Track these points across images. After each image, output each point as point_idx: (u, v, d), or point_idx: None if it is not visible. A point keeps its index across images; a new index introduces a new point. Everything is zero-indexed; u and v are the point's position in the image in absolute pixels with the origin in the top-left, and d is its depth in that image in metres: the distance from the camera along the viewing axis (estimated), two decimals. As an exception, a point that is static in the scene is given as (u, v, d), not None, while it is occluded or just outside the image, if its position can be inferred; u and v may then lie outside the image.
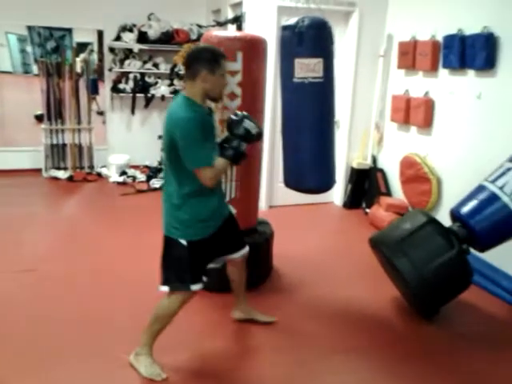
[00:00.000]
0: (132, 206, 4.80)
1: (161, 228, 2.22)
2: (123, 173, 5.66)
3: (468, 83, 3.68)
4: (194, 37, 5.76)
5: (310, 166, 2.93)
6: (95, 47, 6.31)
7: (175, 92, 5.78)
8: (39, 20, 5.58)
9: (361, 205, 4.91)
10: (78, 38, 6.68)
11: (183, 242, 2.13)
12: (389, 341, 2.66)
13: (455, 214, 2.89)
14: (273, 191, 4.76)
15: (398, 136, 4.60)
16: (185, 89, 2.13)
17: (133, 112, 6.00)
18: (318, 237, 4.20)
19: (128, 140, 6.00)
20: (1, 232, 3.93)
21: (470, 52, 3.54)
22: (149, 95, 5.94)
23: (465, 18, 3.68)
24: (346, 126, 4.86)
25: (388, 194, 4.67)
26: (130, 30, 5.68)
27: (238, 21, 3.25)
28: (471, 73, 3.65)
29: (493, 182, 2.77)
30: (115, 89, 5.84)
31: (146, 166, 5.90)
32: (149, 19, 5.76)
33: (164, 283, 2.17)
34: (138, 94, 5.90)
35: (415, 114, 4.18)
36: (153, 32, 5.67)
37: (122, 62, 5.79)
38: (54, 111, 5.61)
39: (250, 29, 4.17)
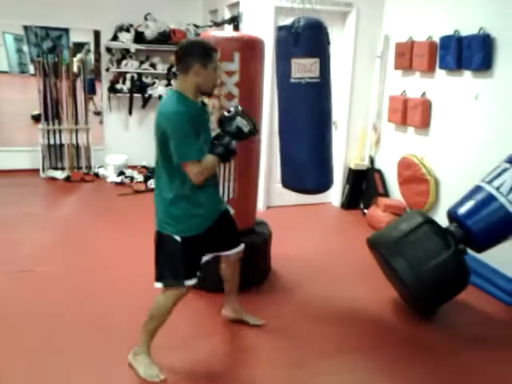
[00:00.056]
0: (130, 206, 4.79)
1: (158, 229, 2.22)
2: (121, 173, 5.65)
3: (465, 84, 3.69)
4: (190, 37, 5.76)
5: (307, 166, 2.93)
6: (92, 47, 6.30)
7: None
8: (36, 20, 5.56)
9: (358, 205, 4.92)
10: (75, 37, 6.67)
11: (177, 237, 2.12)
12: (388, 341, 2.66)
13: (452, 215, 2.90)
14: (271, 192, 4.77)
15: (395, 137, 4.61)
16: (176, 83, 2.13)
17: (130, 112, 5.98)
18: (315, 237, 4.20)
19: (125, 140, 5.99)
20: (-3, 233, 3.92)
21: (467, 53, 3.54)
22: (146, 95, 5.93)
23: (461, 19, 3.69)
24: (344, 126, 4.87)
25: (386, 194, 4.67)
26: (127, 30, 5.67)
27: (235, 21, 3.25)
28: (468, 74, 3.65)
29: (489, 182, 2.78)
30: (112, 89, 5.83)
31: (144, 167, 5.89)
32: (145, 19, 5.75)
33: (158, 280, 2.18)
34: (135, 94, 5.89)
35: (412, 114, 4.18)
36: (150, 32, 5.67)
37: (119, 62, 5.78)
38: (51, 111, 5.60)
39: (247, 29, 4.17)
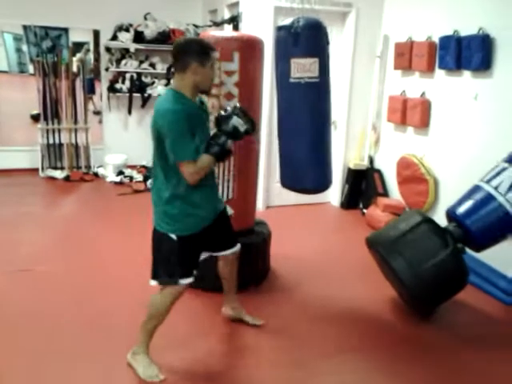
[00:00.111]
0: (129, 205, 4.79)
1: (157, 228, 2.22)
2: (120, 173, 5.65)
3: (464, 84, 3.70)
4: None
5: (306, 165, 2.93)
6: (91, 47, 6.30)
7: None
8: (35, 19, 5.56)
9: (358, 205, 4.92)
10: (75, 37, 6.67)
11: (173, 236, 2.12)
12: (387, 341, 2.67)
13: (451, 214, 2.90)
14: (270, 191, 4.77)
15: (394, 137, 4.61)
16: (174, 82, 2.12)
17: (129, 112, 5.98)
18: (315, 237, 4.20)
19: (125, 140, 5.98)
20: (-3, 232, 3.92)
21: (466, 53, 3.55)
22: (145, 95, 5.93)
23: (461, 19, 3.70)
24: (343, 126, 4.87)
25: (385, 194, 4.68)
26: (127, 30, 5.67)
27: (234, 21, 3.25)
28: (467, 74, 3.66)
29: (488, 182, 2.78)
30: (112, 88, 5.83)
31: (143, 166, 5.89)
32: (145, 19, 5.75)
33: (153, 277, 2.18)
34: (134, 94, 5.89)
35: (412, 114, 4.19)
36: (149, 32, 5.67)
37: (118, 61, 5.78)
38: (50, 111, 5.60)
39: (247, 29, 4.17)
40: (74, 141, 5.73)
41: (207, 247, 2.31)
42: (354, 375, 2.38)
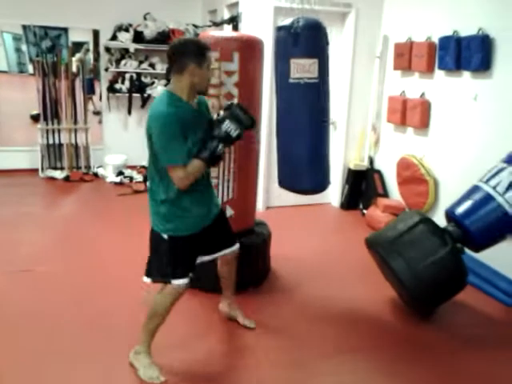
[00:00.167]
0: (129, 206, 4.79)
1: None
2: (120, 173, 5.65)
3: (464, 85, 3.70)
4: (190, 37, 5.76)
5: (304, 166, 2.93)
6: (91, 47, 6.31)
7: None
8: (35, 19, 5.56)
9: (358, 206, 4.92)
10: (74, 37, 6.67)
11: (165, 236, 2.14)
12: (387, 341, 2.67)
13: (450, 215, 2.90)
14: (270, 192, 4.76)
15: (394, 137, 4.61)
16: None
17: (129, 112, 5.98)
18: (315, 238, 4.20)
19: (125, 140, 5.98)
20: (-4, 233, 3.92)
21: (466, 53, 3.55)
22: (145, 95, 5.93)
23: (460, 19, 3.70)
24: (343, 127, 4.87)
25: (385, 195, 4.68)
26: (126, 30, 5.67)
27: (234, 21, 3.26)
28: (467, 74, 3.66)
29: (486, 182, 2.79)
30: (111, 89, 5.83)
31: (143, 167, 5.88)
32: (145, 19, 5.75)
33: (147, 275, 2.22)
34: (134, 94, 5.89)
35: (411, 115, 4.19)
36: (149, 32, 5.67)
37: (118, 61, 5.78)
38: (50, 111, 5.59)
39: (247, 29, 4.18)
40: (73, 141, 5.73)
41: (203, 250, 2.31)
42: (354, 375, 2.38)
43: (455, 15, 3.77)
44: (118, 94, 5.87)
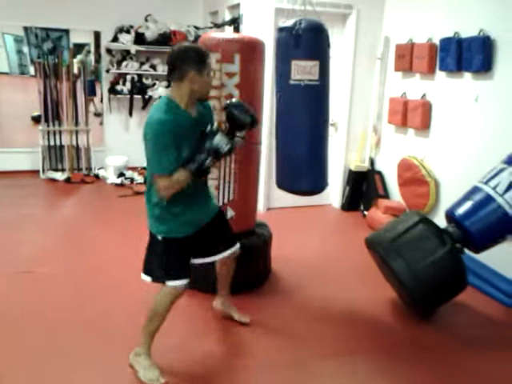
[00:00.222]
0: (130, 207, 4.79)
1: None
2: (121, 174, 5.65)
3: (465, 86, 3.70)
4: (191, 38, 5.77)
5: (303, 167, 2.93)
6: (92, 48, 6.32)
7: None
8: (36, 21, 5.58)
9: (359, 207, 4.92)
10: (75, 38, 6.70)
11: (159, 237, 2.16)
12: (387, 342, 2.66)
13: (450, 216, 2.90)
14: (271, 193, 4.76)
15: (395, 138, 4.61)
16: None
17: (130, 114, 5.99)
18: (316, 239, 4.20)
19: (126, 142, 5.97)
20: (-2, 234, 3.92)
21: (467, 55, 3.55)
22: (146, 97, 5.94)
23: (461, 20, 3.70)
24: (344, 128, 4.87)
25: (386, 196, 4.68)
26: (127, 32, 5.67)
27: (235, 23, 3.26)
28: (468, 75, 3.66)
29: (486, 182, 2.79)
30: (112, 90, 5.84)
31: (144, 168, 5.88)
32: (146, 20, 5.76)
33: (145, 272, 2.25)
34: (135, 96, 5.90)
35: (412, 116, 4.19)
36: (150, 33, 5.67)
37: (119, 63, 5.78)
38: (51, 112, 5.60)
39: (248, 31, 4.18)
40: (74, 142, 5.73)
41: (202, 252, 2.33)
42: (354, 376, 2.38)
43: (456, 16, 3.77)
44: (119, 96, 5.88)
